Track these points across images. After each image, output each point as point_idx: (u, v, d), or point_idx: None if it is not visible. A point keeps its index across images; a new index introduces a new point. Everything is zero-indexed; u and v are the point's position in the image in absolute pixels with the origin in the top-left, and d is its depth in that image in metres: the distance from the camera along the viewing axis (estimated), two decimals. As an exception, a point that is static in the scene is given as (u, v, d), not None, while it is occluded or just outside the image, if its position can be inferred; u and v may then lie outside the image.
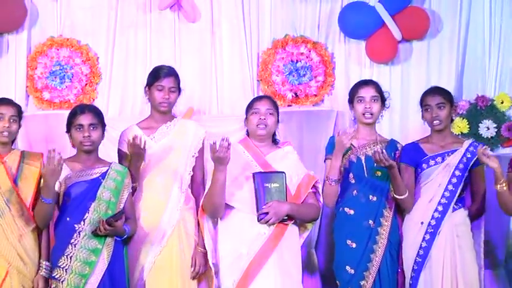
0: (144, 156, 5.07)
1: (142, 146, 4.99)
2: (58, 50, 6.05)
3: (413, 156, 5.27)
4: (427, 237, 5.14)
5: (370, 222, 5.07)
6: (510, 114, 6.10)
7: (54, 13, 6.10)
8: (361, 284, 5.05)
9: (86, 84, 6.08)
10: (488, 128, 6.02)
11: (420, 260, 5.15)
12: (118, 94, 6.10)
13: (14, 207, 4.76)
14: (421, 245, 5.15)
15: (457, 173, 5.15)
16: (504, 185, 4.97)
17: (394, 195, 5.19)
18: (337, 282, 5.14)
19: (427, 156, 5.23)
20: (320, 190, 5.03)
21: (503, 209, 5.11)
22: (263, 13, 6.21)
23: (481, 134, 6.01)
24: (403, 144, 5.45)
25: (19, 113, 4.96)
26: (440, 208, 5.14)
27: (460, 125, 5.91)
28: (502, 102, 6.08)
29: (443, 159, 5.22)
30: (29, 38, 6.06)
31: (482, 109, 6.05)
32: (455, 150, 5.19)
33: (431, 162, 5.21)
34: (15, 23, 5.97)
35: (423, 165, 5.24)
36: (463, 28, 6.24)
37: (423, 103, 5.36)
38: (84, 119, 4.86)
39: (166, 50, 6.14)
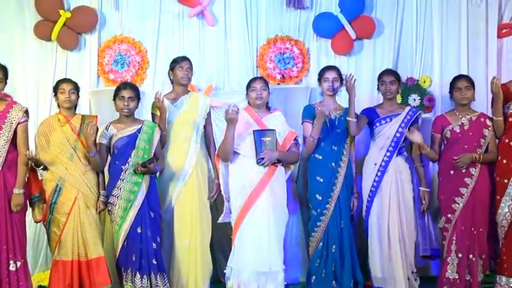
0: (164, 108, 5.50)
1: (161, 101, 5.51)
2: (119, 45, 6.76)
3: (370, 116, 5.86)
4: (379, 173, 5.78)
5: (333, 164, 5.75)
6: (430, 90, 6.75)
7: (117, 19, 6.83)
8: (327, 207, 5.72)
9: (138, 69, 6.76)
10: (414, 100, 6.70)
11: (374, 189, 5.77)
12: (161, 76, 6.64)
13: (79, 152, 5.42)
14: (374, 179, 5.78)
15: (400, 129, 5.78)
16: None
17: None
18: (310, 205, 5.84)
19: (379, 117, 5.87)
20: (299, 142, 5.67)
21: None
22: (261, 20, 6.87)
23: (410, 104, 6.58)
24: (360, 109, 5.98)
25: (76, 87, 5.47)
26: (388, 154, 5.78)
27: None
28: (424, 82, 6.78)
29: (391, 120, 5.83)
30: (99, 37, 6.80)
31: (410, 86, 6.70)
32: (399, 114, 5.83)
33: (383, 122, 5.87)
34: (90, 27, 6.77)
35: (377, 123, 5.85)
36: (397, 31, 6.92)
37: (380, 79, 5.89)
38: (125, 93, 5.45)
39: (194, 45, 6.81)
